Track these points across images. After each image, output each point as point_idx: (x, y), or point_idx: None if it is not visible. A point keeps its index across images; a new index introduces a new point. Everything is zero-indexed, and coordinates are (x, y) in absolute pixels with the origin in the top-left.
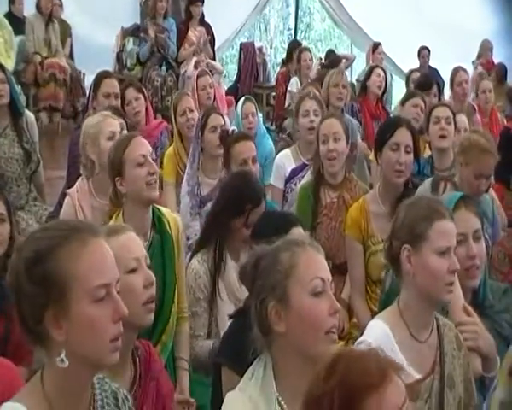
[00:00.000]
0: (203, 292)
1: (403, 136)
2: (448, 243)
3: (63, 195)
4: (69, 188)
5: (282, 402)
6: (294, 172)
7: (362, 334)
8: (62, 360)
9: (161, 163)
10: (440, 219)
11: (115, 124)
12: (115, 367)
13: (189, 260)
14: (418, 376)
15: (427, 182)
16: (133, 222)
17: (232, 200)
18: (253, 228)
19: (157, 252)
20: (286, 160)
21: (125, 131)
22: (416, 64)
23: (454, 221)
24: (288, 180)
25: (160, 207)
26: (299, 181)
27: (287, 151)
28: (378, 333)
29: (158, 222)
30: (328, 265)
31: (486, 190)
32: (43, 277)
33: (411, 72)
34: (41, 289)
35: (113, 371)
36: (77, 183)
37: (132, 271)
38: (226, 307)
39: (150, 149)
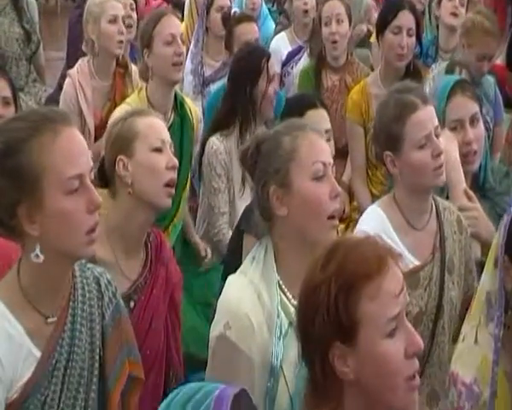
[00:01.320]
0: (224, 168)
1: (405, 19)
2: (425, 130)
3: (63, 76)
4: (69, 69)
5: (283, 286)
6: (291, 56)
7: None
8: (37, 256)
9: None
10: (412, 112)
11: (118, 7)
12: (130, 250)
13: (205, 139)
14: (417, 263)
15: (442, 67)
16: (155, 99)
17: (247, 62)
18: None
19: (176, 134)
20: (282, 43)
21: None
22: None
23: (429, 104)
24: (284, 64)
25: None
26: (296, 64)
27: (282, 34)
28: (374, 220)
29: (180, 106)
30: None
31: (488, 72)
32: (14, 170)
33: None
34: (13, 182)
35: (126, 254)
36: (77, 64)
37: (157, 150)
38: None
39: (181, 30)
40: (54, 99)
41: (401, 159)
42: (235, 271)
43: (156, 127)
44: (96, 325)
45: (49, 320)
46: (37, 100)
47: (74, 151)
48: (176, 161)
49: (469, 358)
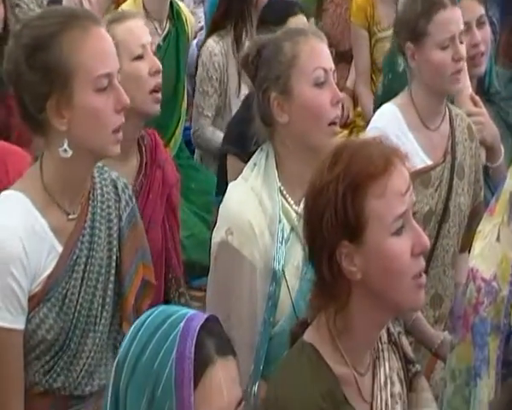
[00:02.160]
0: (217, 71)
1: None
2: (450, 33)
3: None
4: None
5: (284, 192)
6: None
7: (367, 123)
8: (65, 150)
9: None
10: (439, 10)
11: None
12: (122, 155)
13: (203, 42)
14: (429, 162)
15: None
16: (151, 5)
17: None
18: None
19: (172, 44)
20: None
21: None
22: None
23: (457, 6)
24: None
25: (180, 3)
26: None
27: None
28: (388, 117)
29: (176, 15)
30: (331, 52)
31: None
32: (44, 64)
33: None
34: (43, 77)
35: (119, 160)
36: None
37: (138, 58)
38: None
39: None
40: (56, 1)
41: (422, 54)
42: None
43: (135, 32)
44: (114, 226)
45: (71, 217)
46: (39, 3)
47: (104, 50)
48: (159, 65)
49: (490, 255)
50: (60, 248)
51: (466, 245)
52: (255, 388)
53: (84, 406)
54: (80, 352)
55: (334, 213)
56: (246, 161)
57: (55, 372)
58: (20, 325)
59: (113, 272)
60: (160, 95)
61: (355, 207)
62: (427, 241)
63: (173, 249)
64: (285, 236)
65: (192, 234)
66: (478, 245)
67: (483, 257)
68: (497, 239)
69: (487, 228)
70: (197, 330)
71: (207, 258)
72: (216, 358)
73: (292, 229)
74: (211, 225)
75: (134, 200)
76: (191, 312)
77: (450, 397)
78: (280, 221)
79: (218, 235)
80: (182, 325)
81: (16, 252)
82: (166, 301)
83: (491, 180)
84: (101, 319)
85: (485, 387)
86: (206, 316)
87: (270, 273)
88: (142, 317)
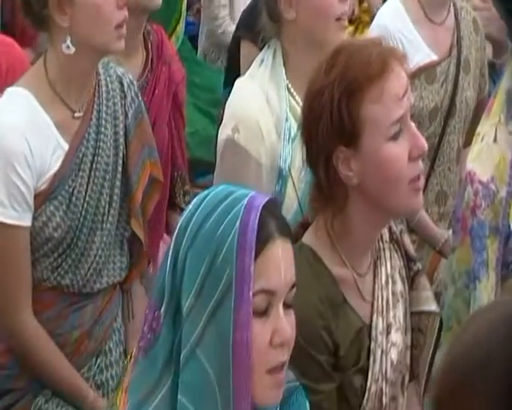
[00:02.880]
0: None
1: None
2: None
3: None
4: None
5: (292, 90)
6: None
7: (372, 18)
8: (68, 46)
9: None
10: None
11: None
12: (127, 50)
13: None
14: (434, 57)
15: None
16: None
17: None
18: None
19: None
20: None
21: None
22: None
23: None
24: None
25: None
26: None
27: None
28: (392, 13)
29: None
30: None
31: None
32: None
33: None
34: None
35: (124, 56)
36: None
37: None
38: None
39: None
40: None
41: None
42: (235, 78)
43: None
44: (120, 123)
45: (76, 115)
46: None
47: None
48: None
49: (487, 157)
50: (65, 146)
51: (470, 140)
52: None
53: (93, 301)
54: (88, 250)
55: (330, 118)
56: (260, 48)
57: (62, 270)
58: (26, 222)
59: (119, 169)
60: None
61: (351, 113)
62: (424, 144)
63: (179, 148)
64: (292, 134)
65: (196, 131)
66: (475, 148)
67: (480, 160)
68: (495, 140)
69: (484, 129)
70: (261, 206)
71: (212, 155)
72: (276, 236)
73: (299, 127)
74: (216, 121)
75: (140, 96)
76: (255, 192)
77: (450, 300)
78: (287, 119)
79: (223, 132)
80: (245, 200)
81: (20, 149)
82: (171, 200)
83: (496, 75)
84: (108, 217)
85: (484, 290)
86: (268, 197)
87: (277, 172)
88: (204, 192)
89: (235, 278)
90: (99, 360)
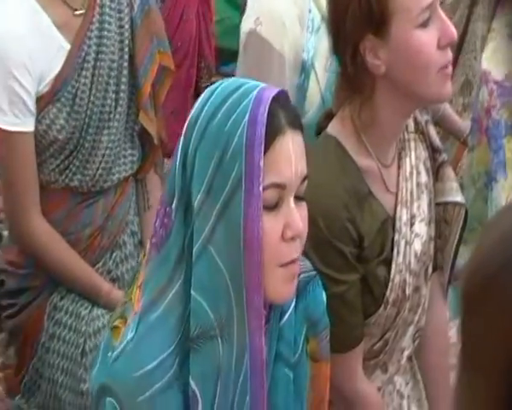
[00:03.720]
0: None
1: None
2: None
3: None
4: None
5: None
6: None
7: None
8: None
9: None
10: None
11: None
12: None
13: None
14: None
15: None
16: None
17: None
18: None
19: None
20: None
21: None
22: None
23: None
24: None
25: None
26: None
27: None
28: None
29: None
30: None
31: None
32: None
33: None
34: None
35: None
36: None
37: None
38: None
39: None
40: None
41: None
42: None
43: None
44: (125, 17)
45: (77, 12)
46: None
47: None
48: None
49: (502, 55)
50: (67, 46)
51: None
52: None
53: (104, 197)
54: (96, 149)
55: (359, 6)
56: None
57: (70, 172)
58: (28, 127)
59: (125, 64)
60: None
61: (379, 0)
62: (454, 32)
63: (206, 39)
64: (315, 26)
65: (221, 19)
66: (489, 47)
67: (494, 58)
68: (510, 36)
69: (499, 24)
70: (270, 99)
71: (237, 43)
72: (286, 128)
73: (322, 18)
74: (241, 10)
75: None
76: (264, 84)
77: (471, 203)
78: (310, 11)
79: (246, 25)
80: (255, 93)
81: (19, 55)
82: (198, 91)
83: None
84: (115, 115)
85: (502, 190)
86: (278, 89)
87: (300, 65)
88: (213, 85)
89: (244, 173)
90: (114, 255)
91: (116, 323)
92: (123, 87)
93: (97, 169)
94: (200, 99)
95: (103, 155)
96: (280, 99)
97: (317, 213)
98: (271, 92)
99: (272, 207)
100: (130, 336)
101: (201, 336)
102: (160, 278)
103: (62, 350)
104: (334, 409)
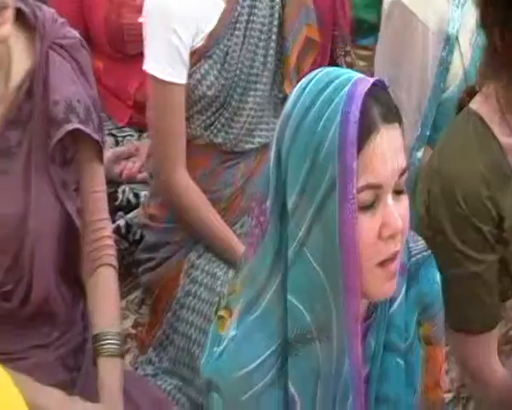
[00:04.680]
0: None
1: None
2: None
3: None
4: None
5: None
6: None
7: None
8: None
9: None
10: None
11: None
12: None
13: None
14: None
15: None
16: None
17: None
18: None
19: None
20: None
21: None
22: None
23: None
24: None
25: None
26: None
27: None
28: None
29: None
30: None
31: None
32: None
33: None
34: None
35: None
36: None
37: None
38: None
39: None
40: None
41: None
42: None
43: None
44: None
45: None
46: None
47: None
48: None
49: None
50: (222, 5)
51: None
52: (420, 153)
53: (244, 160)
54: (241, 109)
55: None
56: None
57: (215, 128)
58: (181, 79)
59: (274, 30)
60: None
61: None
62: None
63: (341, 7)
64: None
65: None
66: None
67: None
68: None
69: None
70: (363, 95)
71: (376, 15)
72: (381, 125)
73: None
74: None
75: None
76: (357, 76)
77: None
78: None
79: None
80: (347, 89)
81: (178, 9)
82: (332, 60)
83: None
84: (262, 78)
85: None
86: (372, 81)
87: (444, 38)
88: (305, 80)
89: (338, 175)
90: (250, 218)
91: (222, 313)
92: (271, 52)
93: (241, 129)
94: (292, 95)
95: (247, 116)
96: (374, 92)
97: (455, 189)
98: (364, 86)
99: (368, 206)
100: (232, 333)
101: (299, 339)
102: (257, 278)
103: (197, 307)
104: (466, 391)
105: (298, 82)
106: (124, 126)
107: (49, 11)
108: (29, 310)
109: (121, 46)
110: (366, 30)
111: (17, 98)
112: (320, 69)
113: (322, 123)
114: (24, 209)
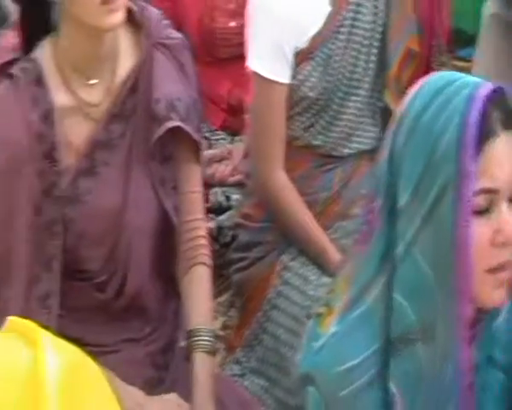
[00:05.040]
0: None
1: None
2: None
3: None
4: None
5: None
6: None
7: None
8: None
9: None
10: None
11: None
12: None
13: None
14: None
15: None
16: None
17: None
18: None
19: None
20: None
21: None
22: None
23: None
24: None
25: None
26: None
27: None
28: None
29: None
30: None
31: None
32: None
33: None
34: None
35: None
36: None
37: None
38: None
39: None
40: None
41: None
42: None
43: None
44: None
45: None
46: None
47: None
48: None
49: None
50: (328, 8)
51: None
52: None
53: (342, 165)
54: (341, 113)
55: None
56: None
57: (315, 130)
58: (284, 78)
59: (377, 37)
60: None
61: None
62: None
63: (439, 16)
64: None
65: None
66: None
67: None
68: None
69: None
70: (484, 98)
71: (475, 27)
72: (500, 130)
73: None
74: None
75: None
76: (477, 79)
77: None
78: None
79: (489, 7)
80: (467, 91)
81: (286, 10)
82: (428, 70)
83: None
84: (363, 84)
85: None
86: (493, 86)
87: None
88: (423, 81)
89: (454, 177)
90: (344, 224)
91: (321, 310)
92: (372, 58)
93: (340, 133)
94: (408, 96)
95: (347, 120)
96: (496, 97)
97: None
98: (486, 90)
99: (482, 211)
100: (333, 329)
101: (402, 338)
102: (363, 275)
103: (288, 309)
104: None
105: (399, 91)
106: (217, 129)
107: (155, 12)
108: (122, 302)
109: (213, 49)
110: (465, 41)
111: (122, 93)
112: (437, 72)
113: (439, 123)
114: (123, 202)
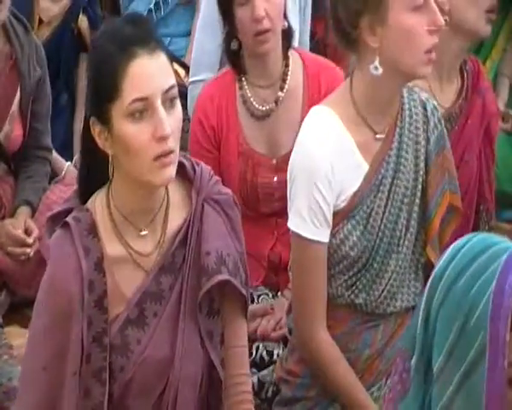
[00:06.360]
0: None
1: None
2: None
3: None
4: None
5: None
6: None
7: None
8: (376, 68)
9: None
10: None
11: None
12: (443, 76)
13: None
14: None
15: None
16: None
17: None
18: None
19: None
20: None
21: None
22: None
23: None
24: None
25: None
26: None
27: None
28: None
29: None
30: None
31: None
32: None
33: None
34: None
35: (439, 80)
36: None
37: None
38: None
39: None
40: None
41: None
42: None
43: None
44: (421, 148)
45: (378, 136)
46: None
47: None
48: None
49: None
50: (366, 167)
51: None
52: None
53: (385, 322)
54: (383, 272)
55: None
56: None
57: (357, 289)
58: (324, 238)
59: (418, 194)
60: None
61: None
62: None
63: (487, 181)
64: None
65: (507, 164)
66: None
67: None
68: None
69: None
70: None
71: None
72: None
73: None
74: None
75: (443, 123)
76: None
77: None
78: None
79: None
80: (504, 257)
81: (324, 169)
82: (468, 227)
83: None
84: (404, 241)
85: None
86: None
87: None
88: (460, 242)
89: (488, 345)
90: (389, 382)
91: None
92: (414, 215)
93: (382, 291)
94: (445, 256)
95: (389, 279)
96: None
97: None
98: None
99: None
100: None
101: None
102: None
103: None
104: None
105: (440, 248)
106: (258, 285)
107: (206, 168)
108: None
109: (255, 205)
110: (509, 204)
111: (172, 245)
112: (474, 234)
113: (475, 288)
114: (171, 353)
